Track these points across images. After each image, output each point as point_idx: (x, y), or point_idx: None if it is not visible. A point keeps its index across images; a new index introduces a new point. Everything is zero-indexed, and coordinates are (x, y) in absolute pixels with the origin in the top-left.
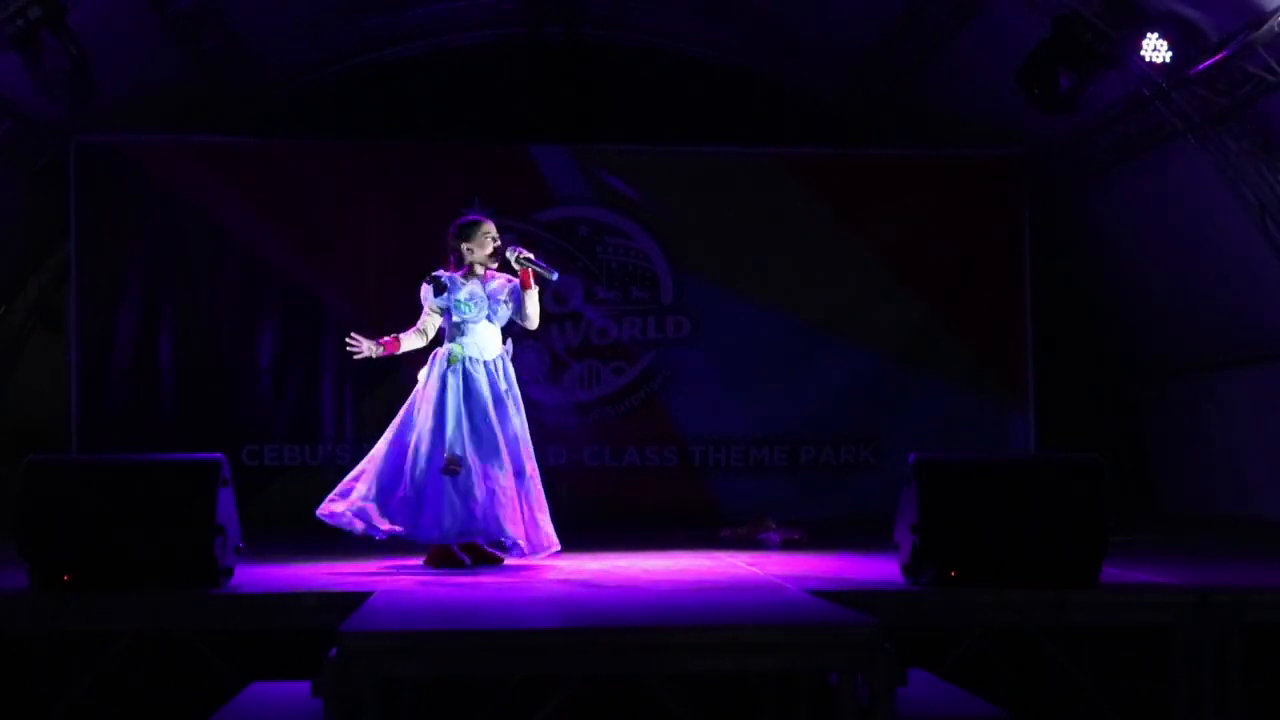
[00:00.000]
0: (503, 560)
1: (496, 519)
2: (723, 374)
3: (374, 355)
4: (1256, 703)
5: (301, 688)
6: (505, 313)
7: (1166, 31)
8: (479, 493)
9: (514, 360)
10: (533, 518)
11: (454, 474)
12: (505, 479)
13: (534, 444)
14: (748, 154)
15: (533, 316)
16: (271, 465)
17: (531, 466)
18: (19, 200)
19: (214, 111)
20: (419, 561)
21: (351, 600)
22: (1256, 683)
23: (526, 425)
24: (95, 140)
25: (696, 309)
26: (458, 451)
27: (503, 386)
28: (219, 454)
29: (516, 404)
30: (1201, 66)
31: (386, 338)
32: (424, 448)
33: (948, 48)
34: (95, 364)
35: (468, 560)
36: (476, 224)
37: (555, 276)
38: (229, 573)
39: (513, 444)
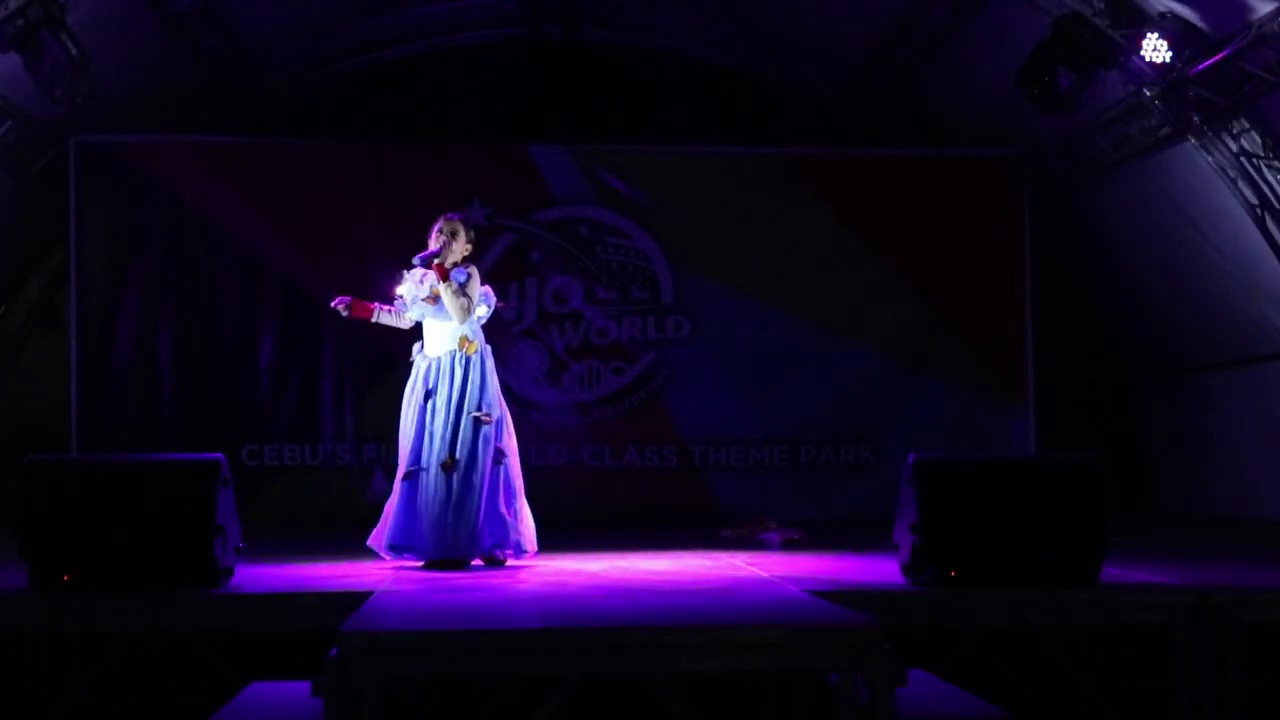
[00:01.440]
0: (504, 561)
1: (462, 535)
2: (723, 374)
3: (343, 309)
4: (1256, 703)
5: (301, 688)
6: (428, 308)
7: (1166, 31)
8: (437, 509)
9: (513, 360)
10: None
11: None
12: (458, 482)
13: (534, 444)
14: (748, 154)
15: (450, 311)
16: (271, 465)
17: (452, 462)
18: (19, 200)
19: (214, 111)
20: (420, 561)
21: (351, 600)
22: (1256, 683)
23: (464, 417)
24: (95, 140)
25: (696, 309)
26: (412, 465)
27: (438, 382)
28: (219, 454)
29: (441, 398)
30: (1201, 66)
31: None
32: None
33: (948, 48)
34: (95, 364)
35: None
36: (437, 221)
37: (418, 263)
38: (229, 573)
39: (435, 437)
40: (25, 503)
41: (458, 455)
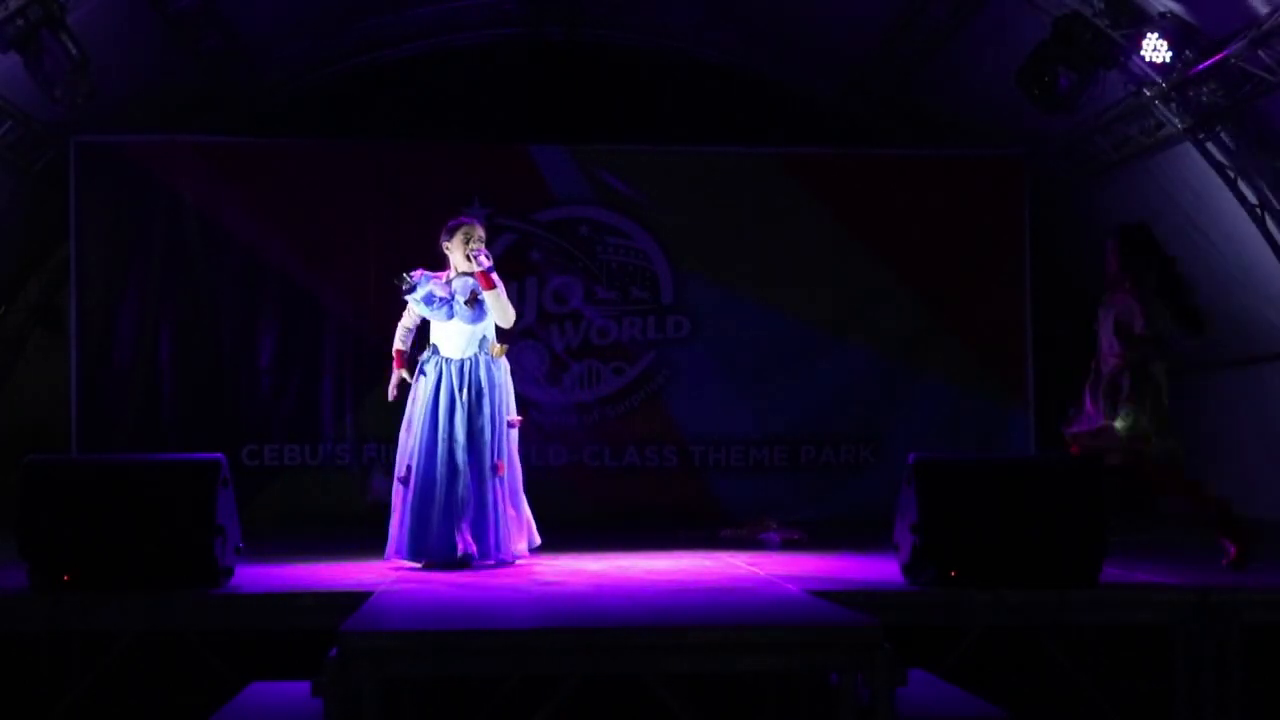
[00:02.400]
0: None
1: (479, 539)
2: (723, 374)
3: (407, 376)
4: (1256, 703)
5: (301, 688)
6: (468, 312)
7: (1166, 31)
8: (463, 511)
9: (513, 360)
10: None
11: (405, 483)
12: (485, 483)
13: (534, 444)
14: (748, 154)
15: (499, 317)
16: (271, 465)
17: (503, 465)
18: (19, 200)
19: (214, 111)
20: (420, 562)
21: (351, 600)
22: (1256, 683)
23: (502, 421)
24: (95, 140)
25: (696, 309)
26: (409, 463)
27: (466, 384)
28: (219, 454)
29: (482, 401)
30: (1201, 66)
31: (393, 355)
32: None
33: (948, 48)
34: (95, 364)
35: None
36: (457, 226)
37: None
38: (229, 573)
39: (478, 440)
40: (25, 503)
41: (502, 457)
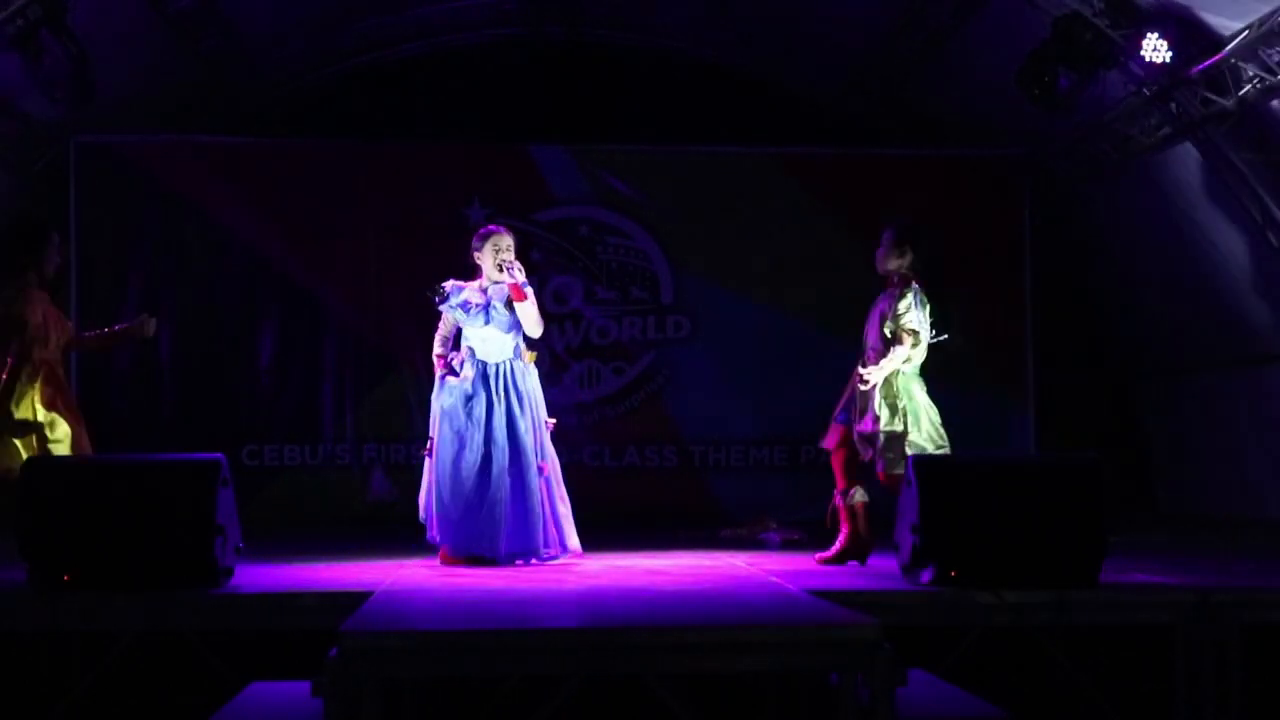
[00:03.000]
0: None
1: (520, 534)
2: (723, 374)
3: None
4: (1256, 703)
5: (301, 688)
6: (506, 317)
7: (1166, 31)
8: (503, 507)
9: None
10: (553, 515)
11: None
12: (530, 481)
13: None
14: (748, 154)
15: (528, 327)
16: (271, 465)
17: (547, 465)
18: (19, 200)
19: (214, 111)
20: (421, 561)
21: (351, 600)
22: (1256, 683)
23: (541, 423)
24: (95, 140)
25: (696, 309)
26: (432, 435)
27: (505, 388)
28: (219, 454)
29: (523, 404)
30: (1201, 66)
31: (440, 364)
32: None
33: (948, 48)
34: (95, 364)
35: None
36: (487, 234)
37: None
38: (229, 573)
39: (522, 441)
40: (25, 502)
41: (545, 458)
